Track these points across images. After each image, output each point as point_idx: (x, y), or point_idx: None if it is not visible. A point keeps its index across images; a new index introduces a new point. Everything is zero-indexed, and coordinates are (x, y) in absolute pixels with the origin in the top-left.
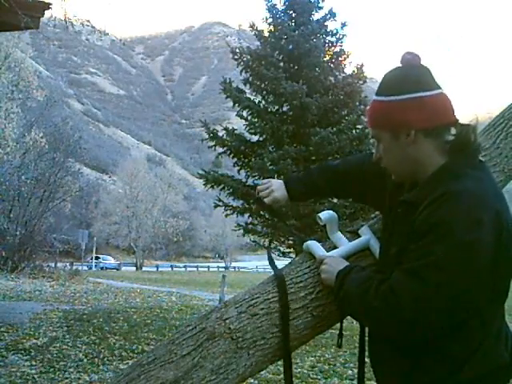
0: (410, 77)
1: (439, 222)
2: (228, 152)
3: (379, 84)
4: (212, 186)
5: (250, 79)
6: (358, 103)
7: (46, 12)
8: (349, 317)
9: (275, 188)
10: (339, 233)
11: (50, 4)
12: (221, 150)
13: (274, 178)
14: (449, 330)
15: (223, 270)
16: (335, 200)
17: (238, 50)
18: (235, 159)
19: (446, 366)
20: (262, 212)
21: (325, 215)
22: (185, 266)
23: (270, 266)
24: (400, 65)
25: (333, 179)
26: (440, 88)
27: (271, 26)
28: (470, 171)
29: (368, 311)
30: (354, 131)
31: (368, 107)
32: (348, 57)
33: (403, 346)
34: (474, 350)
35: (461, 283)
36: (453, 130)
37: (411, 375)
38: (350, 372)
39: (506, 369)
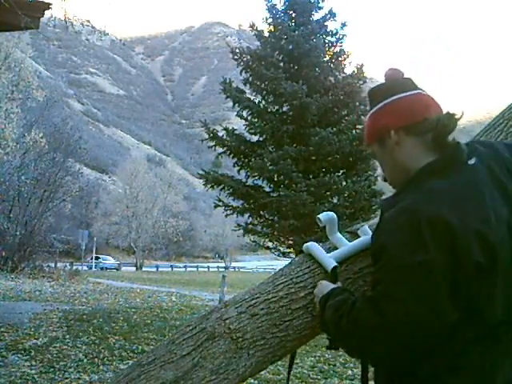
0: (385, 88)
1: (380, 247)
2: (228, 152)
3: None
4: (212, 186)
5: (250, 79)
6: (357, 103)
7: (46, 12)
8: None
9: None
10: (339, 234)
11: (50, 4)
12: (221, 150)
13: (273, 178)
14: (416, 356)
15: (223, 270)
16: (335, 200)
17: (237, 50)
18: (235, 159)
19: None
20: (261, 212)
21: (324, 216)
22: (185, 266)
23: (270, 266)
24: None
25: None
26: (419, 89)
27: (271, 26)
28: (433, 179)
29: (340, 338)
30: (354, 131)
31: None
32: (348, 57)
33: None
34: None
35: (414, 309)
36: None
37: None
38: (349, 372)
39: None
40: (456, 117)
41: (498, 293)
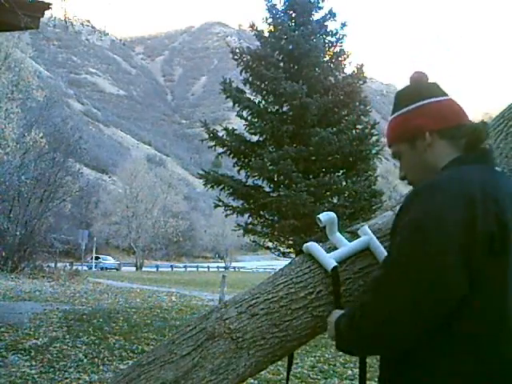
0: (417, 89)
1: (407, 221)
2: (228, 152)
3: (393, 103)
4: (212, 186)
5: (250, 79)
6: (357, 103)
7: (46, 12)
8: None
9: None
10: (339, 234)
11: (50, 4)
12: (221, 150)
13: (273, 178)
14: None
15: (223, 270)
16: (335, 200)
17: (237, 50)
18: (235, 159)
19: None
20: (261, 212)
21: (324, 216)
22: (185, 266)
23: (270, 266)
24: (409, 83)
25: None
26: (448, 96)
27: (271, 26)
28: (460, 166)
29: (356, 337)
30: (354, 131)
31: (386, 128)
32: (348, 57)
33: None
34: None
35: (426, 265)
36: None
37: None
38: (349, 372)
39: None
40: (485, 127)
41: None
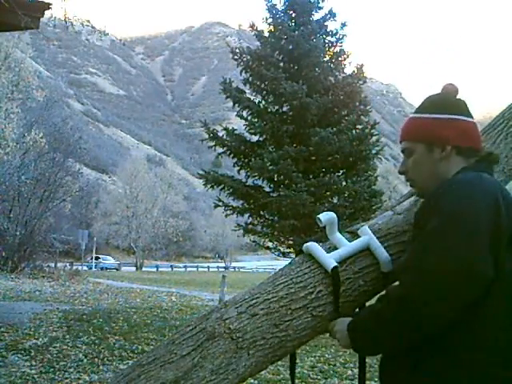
0: (451, 102)
1: (433, 206)
2: (228, 152)
3: (420, 104)
4: (212, 186)
5: (250, 79)
6: (357, 103)
7: (46, 12)
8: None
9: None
10: (339, 234)
11: (50, 4)
12: (221, 150)
13: (273, 178)
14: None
15: (223, 270)
16: (335, 200)
17: (237, 50)
18: (235, 159)
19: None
20: (261, 212)
21: (324, 216)
22: (185, 266)
23: (270, 266)
24: (441, 91)
25: None
26: (473, 118)
27: (271, 26)
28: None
29: (387, 326)
30: (354, 131)
31: (404, 123)
32: (348, 57)
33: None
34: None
35: (458, 251)
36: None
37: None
38: (349, 372)
39: None
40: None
41: None
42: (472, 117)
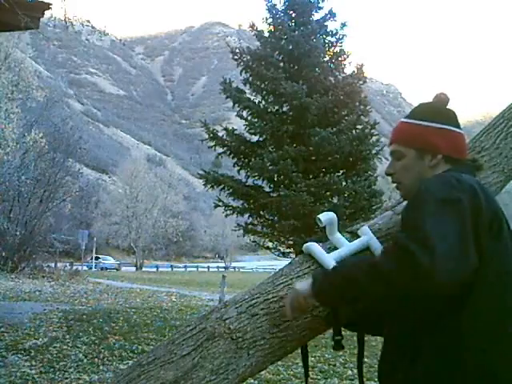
0: (444, 112)
1: (414, 196)
2: (228, 152)
3: (412, 110)
4: (212, 186)
5: (250, 79)
6: (357, 103)
7: (46, 12)
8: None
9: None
10: (339, 234)
11: (50, 4)
12: (221, 150)
13: (273, 178)
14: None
15: (223, 270)
16: (335, 200)
17: (237, 50)
18: (235, 159)
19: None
20: (261, 212)
21: (324, 217)
22: (185, 266)
23: (270, 266)
24: (433, 100)
25: None
26: (461, 129)
27: (271, 26)
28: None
29: (380, 276)
30: (353, 131)
31: (396, 126)
32: (348, 57)
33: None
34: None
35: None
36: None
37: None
38: (349, 372)
39: None
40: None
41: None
42: (461, 128)
